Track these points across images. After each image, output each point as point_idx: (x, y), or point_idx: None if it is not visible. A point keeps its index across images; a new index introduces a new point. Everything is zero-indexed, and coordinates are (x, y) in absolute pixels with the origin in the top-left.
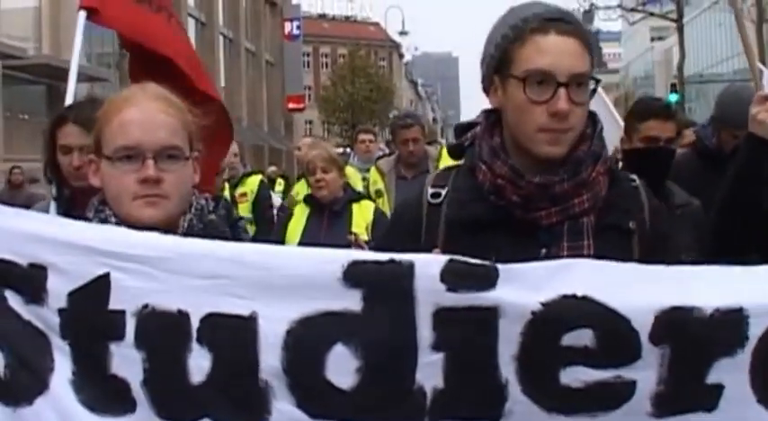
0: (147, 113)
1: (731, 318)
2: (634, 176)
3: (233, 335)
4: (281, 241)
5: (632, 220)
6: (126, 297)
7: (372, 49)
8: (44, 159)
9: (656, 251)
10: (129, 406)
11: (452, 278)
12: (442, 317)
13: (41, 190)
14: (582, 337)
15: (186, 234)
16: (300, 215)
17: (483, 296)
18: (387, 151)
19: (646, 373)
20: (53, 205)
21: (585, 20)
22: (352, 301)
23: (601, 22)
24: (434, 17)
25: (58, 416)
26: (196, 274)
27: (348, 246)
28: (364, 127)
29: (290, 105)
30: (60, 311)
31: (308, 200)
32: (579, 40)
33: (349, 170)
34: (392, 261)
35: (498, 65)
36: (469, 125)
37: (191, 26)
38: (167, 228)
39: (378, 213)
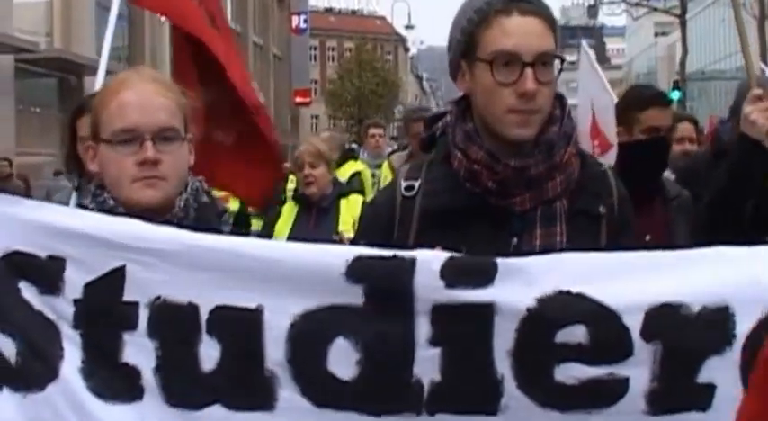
0: (143, 96)
1: (718, 318)
2: (601, 160)
3: (240, 326)
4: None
5: (602, 205)
6: (140, 288)
7: (378, 43)
8: (65, 150)
9: (621, 236)
10: (138, 393)
11: (452, 274)
12: (440, 312)
13: (64, 182)
14: (575, 334)
15: (183, 212)
16: (289, 213)
17: (480, 292)
18: (394, 146)
19: (638, 370)
20: (74, 195)
21: (590, 14)
22: (354, 296)
23: (605, 17)
24: (440, 11)
25: (67, 402)
26: (206, 268)
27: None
28: (374, 121)
29: (297, 99)
30: (75, 302)
31: (297, 197)
32: (542, 19)
33: (359, 165)
34: (395, 257)
35: (465, 49)
36: (438, 116)
37: None
38: (165, 208)
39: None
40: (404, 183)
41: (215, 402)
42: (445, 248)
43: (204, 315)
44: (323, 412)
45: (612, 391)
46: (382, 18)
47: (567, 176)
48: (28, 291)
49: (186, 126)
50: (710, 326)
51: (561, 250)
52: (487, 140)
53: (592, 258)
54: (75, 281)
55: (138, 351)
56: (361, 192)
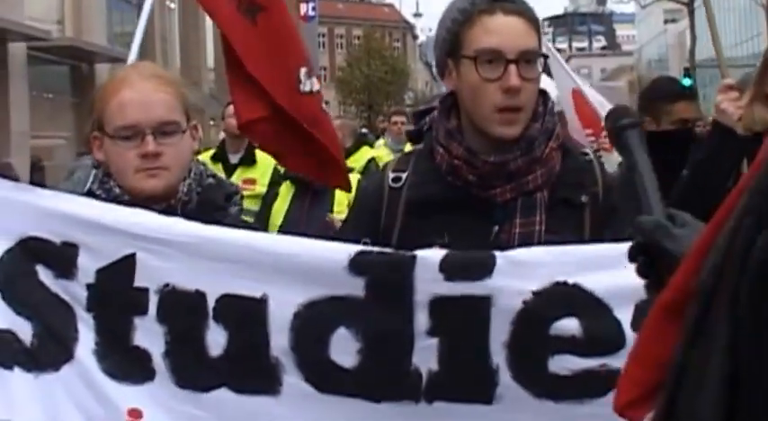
0: (142, 93)
1: None
2: (587, 150)
3: (246, 315)
4: (264, 220)
5: (585, 194)
6: (149, 275)
7: (387, 31)
8: (85, 132)
9: (609, 224)
10: (149, 374)
11: (451, 267)
12: (438, 304)
13: (87, 160)
14: (569, 327)
15: (186, 196)
16: (286, 194)
17: (478, 285)
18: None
19: None
20: (93, 172)
21: (599, 2)
22: (355, 288)
23: (614, 5)
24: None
25: (82, 381)
26: (213, 258)
27: (327, 227)
28: (397, 109)
29: None
30: (88, 286)
31: (294, 178)
32: (525, 18)
33: (383, 150)
34: (396, 252)
35: (450, 48)
36: (427, 110)
37: None
38: (168, 194)
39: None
40: (391, 175)
41: (222, 385)
42: (429, 236)
43: (211, 303)
44: (325, 397)
45: (605, 382)
46: (390, 5)
47: (548, 169)
48: (44, 275)
49: (188, 115)
50: None
51: (540, 239)
52: (471, 137)
53: (587, 250)
54: (87, 266)
55: (149, 335)
56: (362, 173)
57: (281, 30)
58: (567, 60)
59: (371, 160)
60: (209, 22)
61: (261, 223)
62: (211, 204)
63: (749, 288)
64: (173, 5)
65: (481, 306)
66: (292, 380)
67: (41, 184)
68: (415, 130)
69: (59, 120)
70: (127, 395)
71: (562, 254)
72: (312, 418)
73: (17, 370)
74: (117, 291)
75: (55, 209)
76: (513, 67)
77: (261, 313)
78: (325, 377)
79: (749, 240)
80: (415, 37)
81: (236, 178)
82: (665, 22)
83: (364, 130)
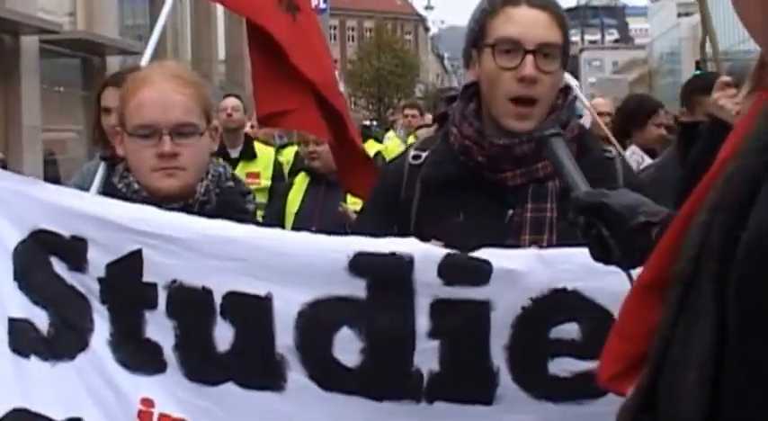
0: (162, 93)
1: None
2: (611, 149)
3: (251, 312)
4: (280, 210)
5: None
6: (157, 271)
7: (398, 23)
8: (92, 122)
9: None
10: (161, 366)
11: (449, 272)
12: (439, 307)
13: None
14: (569, 331)
15: (205, 197)
16: (301, 184)
17: (477, 290)
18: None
19: None
20: (102, 165)
21: None
22: (357, 289)
23: None
24: None
25: (96, 371)
26: (218, 256)
27: (341, 217)
28: (410, 102)
29: None
30: (99, 280)
31: (308, 169)
32: (549, 12)
33: (394, 141)
34: (393, 254)
35: (475, 38)
36: (456, 97)
37: None
38: (185, 194)
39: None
40: (412, 153)
41: (229, 380)
42: (445, 213)
43: (218, 299)
44: (329, 395)
45: None
46: None
47: None
48: (59, 266)
49: (208, 117)
50: None
51: (552, 226)
52: (488, 124)
53: (586, 255)
54: (97, 260)
55: (159, 329)
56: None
57: (317, 30)
58: (580, 52)
59: (377, 154)
60: (221, 15)
61: (276, 214)
62: (232, 206)
63: (739, 274)
64: None
65: (481, 310)
66: (297, 377)
67: (56, 178)
68: (442, 113)
69: (70, 114)
70: (139, 385)
71: (561, 260)
72: (315, 415)
73: (33, 358)
74: (127, 286)
75: (62, 204)
76: (529, 58)
77: (266, 311)
78: (328, 375)
79: (725, 235)
80: (426, 29)
81: (239, 172)
82: (679, 15)
83: (367, 123)
